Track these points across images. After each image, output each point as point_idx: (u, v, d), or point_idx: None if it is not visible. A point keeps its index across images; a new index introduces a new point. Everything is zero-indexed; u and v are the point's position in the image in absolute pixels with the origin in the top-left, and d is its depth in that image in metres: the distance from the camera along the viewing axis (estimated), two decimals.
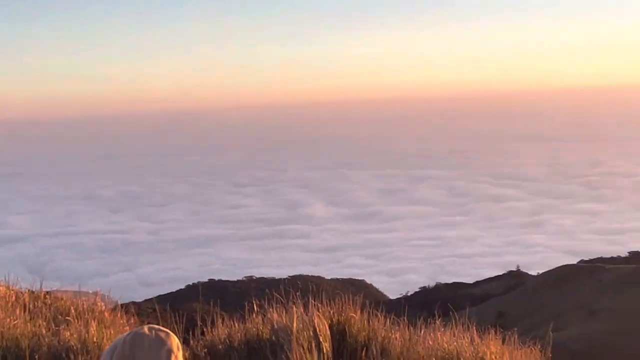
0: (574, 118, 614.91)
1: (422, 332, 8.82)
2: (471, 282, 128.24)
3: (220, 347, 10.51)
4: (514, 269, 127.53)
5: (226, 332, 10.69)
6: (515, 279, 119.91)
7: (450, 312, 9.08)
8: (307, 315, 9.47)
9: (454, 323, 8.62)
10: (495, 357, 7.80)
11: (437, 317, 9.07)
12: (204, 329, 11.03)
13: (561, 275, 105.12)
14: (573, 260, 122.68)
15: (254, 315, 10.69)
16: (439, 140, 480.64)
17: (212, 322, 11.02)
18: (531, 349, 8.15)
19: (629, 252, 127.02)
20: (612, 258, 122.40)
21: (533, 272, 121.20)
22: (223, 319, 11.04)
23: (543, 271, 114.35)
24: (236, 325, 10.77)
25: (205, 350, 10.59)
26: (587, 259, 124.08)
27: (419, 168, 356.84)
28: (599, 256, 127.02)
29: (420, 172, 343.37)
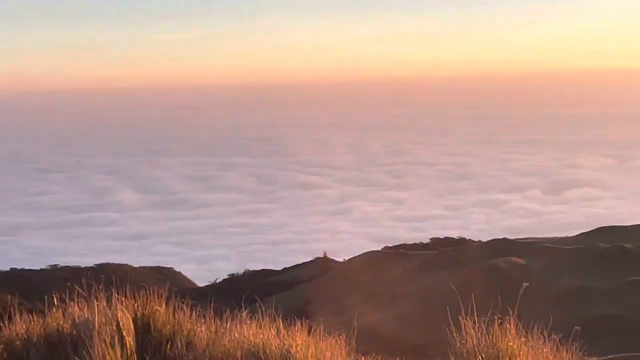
0: (380, 107, 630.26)
1: (228, 324, 8.72)
2: (280, 268, 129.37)
3: (17, 343, 10.07)
4: (321, 255, 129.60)
5: (24, 327, 10.25)
6: (322, 265, 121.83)
7: (257, 304, 9.02)
8: (110, 308, 9.20)
9: (260, 314, 8.56)
10: (301, 349, 7.79)
11: (243, 308, 8.98)
12: (1, 324, 10.53)
13: (367, 262, 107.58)
14: (378, 247, 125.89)
15: (55, 309, 10.29)
16: (248, 128, 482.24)
17: (10, 316, 10.54)
18: (336, 339, 8.19)
19: (430, 239, 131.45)
20: (415, 244, 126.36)
21: (340, 259, 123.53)
22: (21, 313, 10.58)
23: (349, 257, 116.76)
24: (35, 319, 10.34)
25: (2, 346, 10.13)
26: (391, 245, 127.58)
27: (228, 155, 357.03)
28: (403, 242, 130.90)
29: (229, 160, 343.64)
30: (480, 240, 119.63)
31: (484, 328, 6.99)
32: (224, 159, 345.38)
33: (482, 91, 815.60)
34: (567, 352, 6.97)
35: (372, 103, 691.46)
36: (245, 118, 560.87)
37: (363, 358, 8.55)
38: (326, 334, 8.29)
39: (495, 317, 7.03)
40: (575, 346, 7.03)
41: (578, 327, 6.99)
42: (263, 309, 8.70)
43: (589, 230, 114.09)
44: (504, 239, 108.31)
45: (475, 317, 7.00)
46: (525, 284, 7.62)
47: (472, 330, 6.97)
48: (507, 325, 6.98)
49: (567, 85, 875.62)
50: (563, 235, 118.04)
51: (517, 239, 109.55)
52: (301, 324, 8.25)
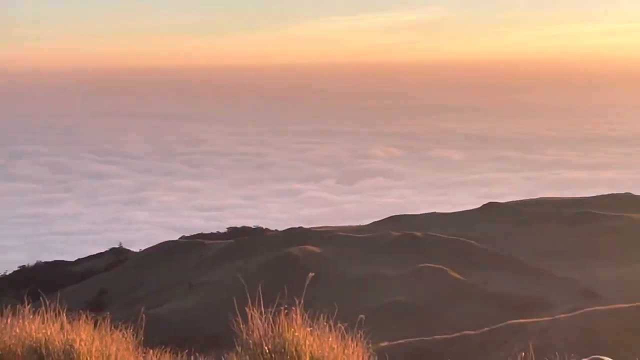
0: (176, 96, 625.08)
1: (9, 319, 8.37)
2: (73, 259, 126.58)
3: None
4: (116, 245, 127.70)
5: None
6: (117, 255, 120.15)
7: (41, 298, 8.71)
8: None
9: (44, 308, 8.25)
10: (85, 344, 7.58)
11: (27, 302, 8.64)
12: None
13: (163, 251, 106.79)
14: (175, 236, 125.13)
15: None
16: (40, 115, 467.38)
17: None
18: (123, 332, 8.00)
19: (227, 228, 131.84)
20: (212, 234, 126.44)
21: (135, 249, 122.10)
22: None
23: (145, 247, 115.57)
24: None
25: None
26: (188, 234, 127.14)
27: (18, 144, 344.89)
28: (200, 232, 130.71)
29: (19, 148, 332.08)
30: (276, 230, 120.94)
31: (270, 318, 7.02)
32: (14, 147, 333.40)
33: (277, 81, 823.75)
34: (352, 340, 7.11)
35: (169, 92, 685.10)
36: (36, 105, 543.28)
37: (151, 351, 8.39)
38: (114, 327, 8.09)
39: (283, 306, 7.07)
40: (361, 334, 7.18)
41: (363, 316, 7.13)
42: (47, 302, 8.39)
43: (381, 219, 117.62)
44: (300, 228, 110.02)
45: (262, 307, 7.02)
46: (311, 274, 7.71)
47: (259, 321, 6.99)
48: (294, 315, 7.03)
49: (358, 77, 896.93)
50: (356, 224, 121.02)
51: (312, 227, 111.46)
52: (87, 317, 8.02)
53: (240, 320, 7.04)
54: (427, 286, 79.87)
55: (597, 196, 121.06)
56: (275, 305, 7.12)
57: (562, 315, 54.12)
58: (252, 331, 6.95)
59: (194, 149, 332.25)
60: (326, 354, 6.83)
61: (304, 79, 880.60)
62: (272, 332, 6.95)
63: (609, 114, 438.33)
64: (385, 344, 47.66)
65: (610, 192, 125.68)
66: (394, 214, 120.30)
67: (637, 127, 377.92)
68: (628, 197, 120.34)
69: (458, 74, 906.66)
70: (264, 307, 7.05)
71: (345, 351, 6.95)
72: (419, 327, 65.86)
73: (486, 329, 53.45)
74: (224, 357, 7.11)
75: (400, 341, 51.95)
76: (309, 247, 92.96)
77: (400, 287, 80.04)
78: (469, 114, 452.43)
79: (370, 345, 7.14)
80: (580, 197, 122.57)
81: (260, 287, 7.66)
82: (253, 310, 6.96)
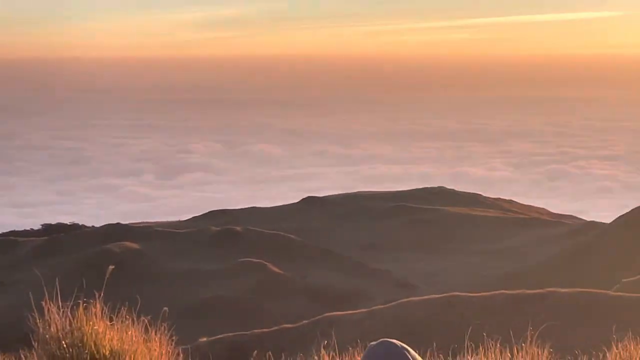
0: None
1: None
2: None
3: None
4: None
5: None
6: None
7: None
8: None
9: None
10: None
11: None
12: None
13: None
14: None
15: None
16: None
17: None
18: None
19: (42, 225, 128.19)
20: (25, 231, 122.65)
21: None
22: None
23: None
24: None
25: None
26: (0, 232, 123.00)
27: None
28: (12, 229, 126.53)
29: None
30: (93, 226, 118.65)
31: (69, 313, 6.85)
32: None
33: (92, 74, 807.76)
34: (155, 332, 7.03)
35: None
36: None
37: None
38: None
39: (81, 300, 6.92)
40: (165, 327, 7.11)
41: (166, 308, 7.06)
42: None
43: (201, 214, 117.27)
44: (118, 224, 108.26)
45: (60, 302, 6.83)
46: (110, 267, 7.54)
47: (57, 315, 6.80)
48: (94, 309, 6.89)
49: (176, 71, 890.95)
50: (176, 219, 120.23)
51: (130, 223, 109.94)
52: None
53: (37, 315, 6.82)
54: (247, 281, 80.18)
55: (412, 190, 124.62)
56: (73, 299, 6.95)
57: (379, 306, 55.40)
58: (49, 326, 6.76)
59: (6, 143, 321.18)
60: (127, 347, 6.72)
61: (121, 72, 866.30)
62: (71, 326, 6.77)
63: (423, 109, 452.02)
64: (204, 339, 47.55)
65: (424, 186, 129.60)
66: (213, 209, 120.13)
67: (449, 123, 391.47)
68: (441, 190, 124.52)
69: (278, 69, 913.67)
70: (63, 302, 6.86)
71: (147, 344, 6.86)
72: (239, 322, 66.01)
73: (304, 321, 54.11)
74: (22, 354, 6.87)
75: (219, 336, 51.92)
76: (128, 244, 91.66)
77: (220, 282, 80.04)
78: (289, 109, 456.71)
79: (174, 338, 7.08)
80: (396, 191, 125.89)
81: (58, 283, 7.43)
82: (50, 304, 6.77)
